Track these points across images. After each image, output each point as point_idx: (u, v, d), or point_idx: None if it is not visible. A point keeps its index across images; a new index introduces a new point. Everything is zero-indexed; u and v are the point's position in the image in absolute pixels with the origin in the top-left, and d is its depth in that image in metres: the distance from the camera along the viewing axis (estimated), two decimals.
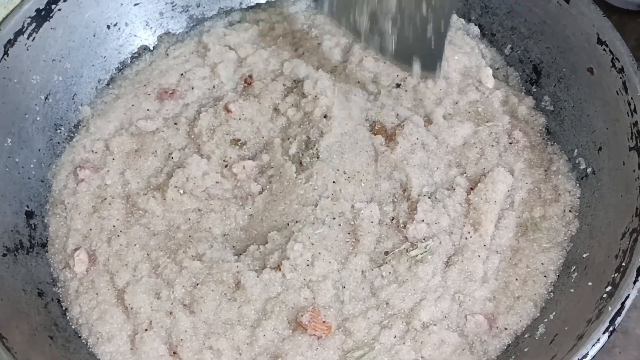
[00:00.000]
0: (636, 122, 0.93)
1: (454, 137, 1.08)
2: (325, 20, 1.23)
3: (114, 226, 1.04)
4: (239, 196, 1.06)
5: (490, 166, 1.05)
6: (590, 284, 0.89)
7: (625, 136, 0.94)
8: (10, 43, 1.04)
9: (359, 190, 1.03)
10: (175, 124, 1.13)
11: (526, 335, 0.92)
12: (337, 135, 1.06)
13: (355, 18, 1.04)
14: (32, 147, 1.07)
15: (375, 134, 1.08)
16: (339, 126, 1.06)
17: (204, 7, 1.26)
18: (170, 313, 0.95)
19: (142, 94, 1.17)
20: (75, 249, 1.02)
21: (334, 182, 1.02)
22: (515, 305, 0.95)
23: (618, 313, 0.81)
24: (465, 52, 1.14)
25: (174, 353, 0.93)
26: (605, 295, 0.84)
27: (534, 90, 1.12)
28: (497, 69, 1.16)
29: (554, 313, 0.91)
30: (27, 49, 1.06)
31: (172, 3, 1.23)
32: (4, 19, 1.04)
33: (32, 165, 1.06)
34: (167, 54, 1.21)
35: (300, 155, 1.06)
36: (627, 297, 0.81)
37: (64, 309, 0.99)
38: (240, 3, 1.27)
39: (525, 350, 0.90)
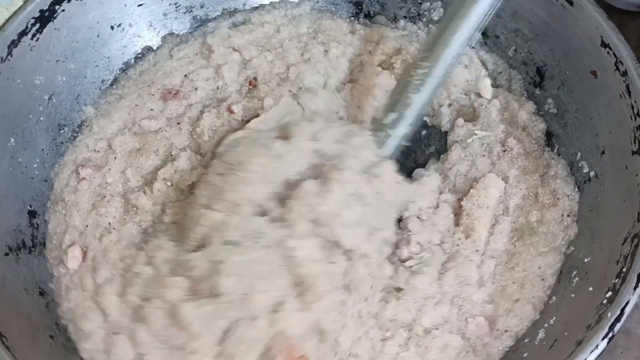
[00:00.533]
0: (639, 125, 0.92)
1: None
2: (331, 25, 1.23)
3: (109, 223, 1.04)
4: None
5: (480, 175, 1.04)
6: (591, 289, 0.88)
7: (629, 140, 0.93)
8: (14, 44, 1.04)
9: None
10: (178, 123, 1.13)
11: (526, 340, 0.91)
12: None
13: None
14: (36, 147, 1.08)
15: None
16: None
17: (208, 8, 1.26)
18: (133, 321, 0.92)
19: (146, 94, 1.17)
20: (70, 245, 1.03)
21: None
22: (514, 308, 0.95)
23: (618, 319, 0.80)
24: (464, 64, 1.13)
25: None
26: (605, 301, 0.83)
27: (537, 93, 1.11)
28: (500, 72, 1.15)
29: (554, 318, 0.91)
30: (31, 50, 1.07)
31: (175, 4, 1.23)
32: (7, 20, 1.04)
33: (35, 165, 1.07)
34: (171, 55, 1.22)
35: None
36: (627, 303, 0.81)
37: (56, 303, 0.99)
38: (244, 4, 1.27)
39: (525, 355, 0.89)
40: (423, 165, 1.10)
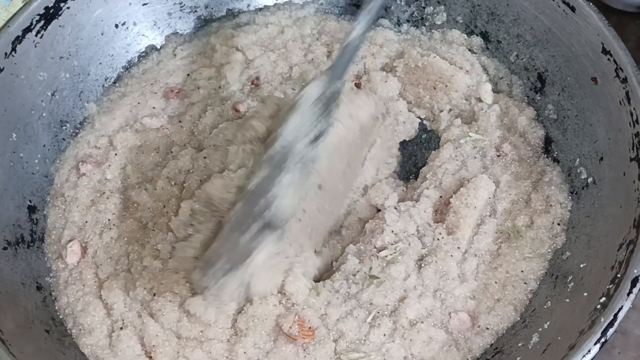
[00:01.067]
0: (638, 132, 0.92)
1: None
2: (335, 27, 1.24)
3: (109, 219, 1.05)
4: None
5: (471, 176, 1.04)
6: (585, 294, 0.88)
7: (627, 147, 0.93)
8: (18, 40, 1.05)
9: None
10: (180, 122, 1.14)
11: (520, 344, 0.91)
12: None
13: None
14: (37, 143, 1.08)
15: None
16: None
17: (212, 9, 1.26)
18: (140, 315, 0.95)
19: (149, 92, 1.18)
20: (69, 240, 1.03)
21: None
22: (495, 307, 0.95)
23: (610, 324, 0.80)
24: (465, 70, 1.14)
25: (150, 357, 0.93)
26: (599, 306, 0.83)
27: (538, 98, 1.11)
28: (501, 78, 1.15)
29: (548, 322, 0.91)
30: (35, 46, 1.08)
31: (180, 3, 1.24)
32: (12, 17, 1.05)
33: (36, 161, 1.08)
34: (175, 54, 1.22)
35: None
36: (620, 308, 0.80)
37: (53, 298, 0.99)
38: (248, 5, 1.28)
39: (518, 359, 0.89)
40: (422, 167, 1.10)
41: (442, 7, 1.21)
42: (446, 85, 1.12)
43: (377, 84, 1.14)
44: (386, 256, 0.98)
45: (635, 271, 0.83)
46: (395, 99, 1.15)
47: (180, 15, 1.25)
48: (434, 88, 1.14)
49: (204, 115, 1.13)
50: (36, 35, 1.07)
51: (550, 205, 1.02)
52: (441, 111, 1.14)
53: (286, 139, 0.90)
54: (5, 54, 1.03)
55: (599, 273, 0.89)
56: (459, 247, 0.98)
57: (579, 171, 1.02)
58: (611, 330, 0.80)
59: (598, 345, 0.79)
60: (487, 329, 0.94)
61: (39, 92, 1.09)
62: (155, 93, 1.17)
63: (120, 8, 1.18)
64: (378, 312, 0.94)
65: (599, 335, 0.79)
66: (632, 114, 0.93)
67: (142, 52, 1.22)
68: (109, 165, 1.09)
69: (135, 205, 1.06)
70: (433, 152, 1.11)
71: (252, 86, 1.17)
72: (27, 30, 1.06)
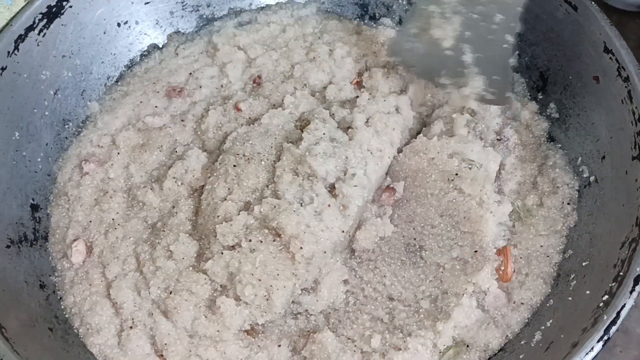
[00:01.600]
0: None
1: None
2: (337, 26, 1.24)
3: (113, 219, 1.05)
4: None
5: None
6: (588, 292, 0.89)
7: (629, 145, 0.94)
8: (21, 38, 1.05)
9: None
10: (182, 120, 1.14)
11: (522, 342, 0.92)
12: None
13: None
14: (40, 142, 1.09)
15: None
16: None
17: (214, 7, 1.27)
18: (151, 314, 0.95)
19: (151, 91, 1.18)
20: (74, 240, 1.03)
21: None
22: (525, 281, 0.98)
23: (613, 322, 0.80)
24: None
25: (160, 356, 0.93)
26: (601, 304, 0.83)
27: (540, 97, 1.11)
28: None
29: (551, 320, 0.91)
30: (38, 45, 1.08)
31: (182, 2, 1.24)
32: (13, 17, 1.05)
33: (39, 159, 1.08)
34: (177, 53, 1.23)
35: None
36: (623, 306, 0.81)
37: (59, 297, 1.00)
38: (250, 4, 1.28)
39: (521, 357, 0.90)
40: None
41: None
42: None
43: (378, 81, 1.14)
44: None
45: (637, 269, 0.83)
46: (398, 93, 1.14)
47: (183, 14, 1.25)
48: (436, 86, 1.13)
49: (207, 114, 1.13)
50: (39, 34, 1.08)
51: (557, 187, 1.03)
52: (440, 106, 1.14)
53: None
54: (8, 52, 1.04)
55: (601, 271, 0.89)
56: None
57: (581, 170, 1.02)
58: (614, 328, 0.80)
59: (601, 343, 0.80)
60: (522, 303, 0.96)
61: (41, 90, 1.09)
62: (158, 92, 1.17)
63: (123, 7, 1.18)
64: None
65: (601, 333, 0.80)
66: (634, 113, 0.93)
67: (144, 51, 1.23)
68: (112, 164, 1.10)
69: (141, 204, 1.06)
70: (424, 127, 1.12)
71: (254, 85, 1.17)
72: (30, 29, 1.07)
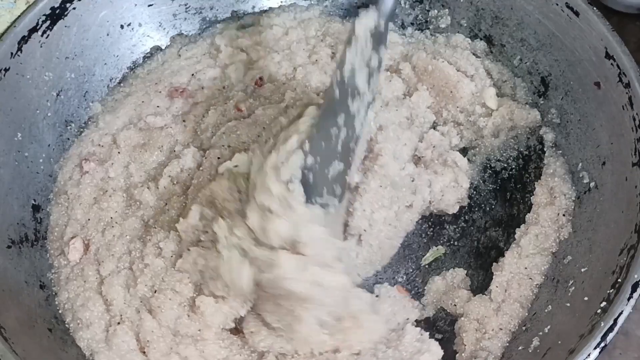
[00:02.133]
0: None
1: None
2: (340, 29, 1.24)
3: (111, 217, 1.05)
4: None
5: None
6: (586, 298, 0.88)
7: (629, 152, 0.93)
8: (24, 40, 1.06)
9: None
10: (184, 121, 1.14)
11: (520, 348, 0.92)
12: None
13: None
14: (42, 142, 1.09)
15: None
16: None
17: (217, 10, 1.27)
18: (138, 311, 0.96)
19: (153, 92, 1.18)
20: (72, 238, 1.04)
21: None
22: (502, 307, 0.97)
23: (610, 329, 0.80)
24: (470, 75, 1.14)
25: (143, 352, 0.93)
26: (599, 311, 0.83)
27: (541, 102, 1.11)
28: (505, 81, 1.15)
29: (549, 326, 0.91)
30: (41, 46, 1.08)
31: (185, 5, 1.24)
32: (16, 19, 1.06)
33: (40, 160, 1.08)
34: (179, 55, 1.23)
35: None
36: (621, 313, 0.81)
37: (54, 293, 1.00)
38: (253, 7, 1.28)
39: None
40: None
41: (447, 10, 1.21)
42: (451, 92, 1.12)
43: (381, 84, 1.14)
44: None
45: (635, 276, 0.83)
46: (401, 98, 1.14)
47: (186, 17, 1.25)
48: (439, 93, 1.14)
49: (207, 114, 1.14)
50: (42, 36, 1.08)
51: (555, 197, 1.03)
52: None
53: (346, 72, 0.90)
54: (11, 53, 1.04)
55: (599, 277, 0.89)
56: None
57: (581, 175, 1.02)
58: (611, 335, 0.80)
59: (598, 350, 0.80)
60: (501, 329, 0.95)
61: (44, 92, 1.10)
62: (160, 92, 1.18)
63: (126, 9, 1.18)
64: None
65: (598, 339, 0.80)
66: (634, 119, 0.93)
67: (147, 53, 1.23)
68: (112, 164, 1.10)
69: (138, 203, 1.06)
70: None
71: (256, 87, 1.18)
72: (33, 30, 1.07)
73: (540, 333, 0.91)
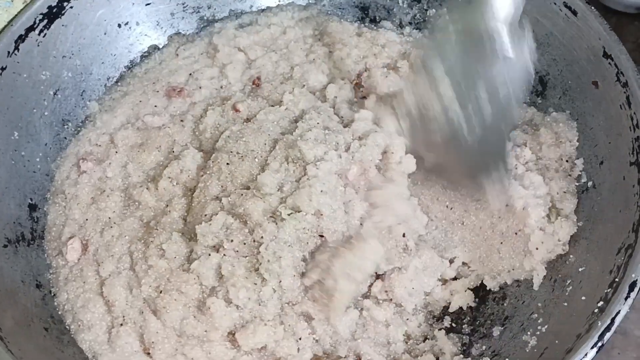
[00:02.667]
0: (638, 137, 0.92)
1: None
2: (337, 28, 1.24)
3: (109, 217, 1.05)
4: None
5: None
6: (583, 298, 0.88)
7: (627, 151, 0.93)
8: (21, 38, 1.06)
9: None
10: (182, 120, 1.14)
11: (517, 347, 0.92)
12: None
13: None
14: (39, 141, 1.09)
15: None
16: None
17: (215, 9, 1.27)
18: (142, 312, 0.95)
19: (151, 91, 1.18)
20: (70, 238, 1.03)
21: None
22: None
23: (608, 329, 0.80)
24: None
25: (148, 353, 0.93)
26: (596, 310, 0.83)
27: (540, 102, 1.11)
28: None
29: (546, 326, 0.91)
30: (38, 45, 1.08)
31: (183, 4, 1.24)
32: (13, 18, 1.05)
33: (37, 159, 1.08)
34: (177, 54, 1.23)
35: None
36: (618, 313, 0.81)
37: (52, 294, 1.00)
38: (251, 6, 1.28)
39: None
40: None
41: (445, 9, 1.20)
42: None
43: (377, 80, 1.14)
44: None
45: (633, 275, 0.83)
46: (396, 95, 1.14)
47: (183, 16, 1.25)
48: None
49: (205, 115, 1.13)
50: (39, 35, 1.08)
51: (560, 142, 1.05)
52: None
53: None
54: (8, 52, 1.04)
55: (597, 277, 0.89)
56: None
57: (579, 175, 1.02)
58: (608, 335, 0.80)
59: (595, 350, 0.79)
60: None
61: (41, 90, 1.09)
62: (158, 92, 1.17)
63: (123, 8, 1.18)
64: None
65: (596, 339, 0.80)
66: (632, 118, 0.93)
67: (144, 52, 1.23)
68: (110, 163, 1.09)
69: (137, 204, 1.06)
70: None
71: (254, 86, 1.17)
72: (30, 29, 1.07)
73: (538, 332, 0.91)
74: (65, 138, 1.13)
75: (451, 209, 1.04)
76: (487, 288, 1.02)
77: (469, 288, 1.03)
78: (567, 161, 1.03)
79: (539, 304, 0.95)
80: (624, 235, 0.88)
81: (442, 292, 1.01)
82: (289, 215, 0.94)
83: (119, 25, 1.19)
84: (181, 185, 1.06)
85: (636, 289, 0.82)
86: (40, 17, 1.08)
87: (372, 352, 0.93)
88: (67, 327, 0.97)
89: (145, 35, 1.22)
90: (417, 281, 0.98)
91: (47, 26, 1.09)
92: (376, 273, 0.98)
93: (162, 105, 1.16)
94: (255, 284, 0.92)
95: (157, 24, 1.23)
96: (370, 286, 0.99)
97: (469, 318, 1.00)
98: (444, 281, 1.03)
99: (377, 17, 1.26)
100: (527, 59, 0.91)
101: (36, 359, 0.88)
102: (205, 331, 0.93)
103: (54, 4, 1.09)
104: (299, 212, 0.95)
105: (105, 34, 1.17)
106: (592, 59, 1.01)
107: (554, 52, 1.08)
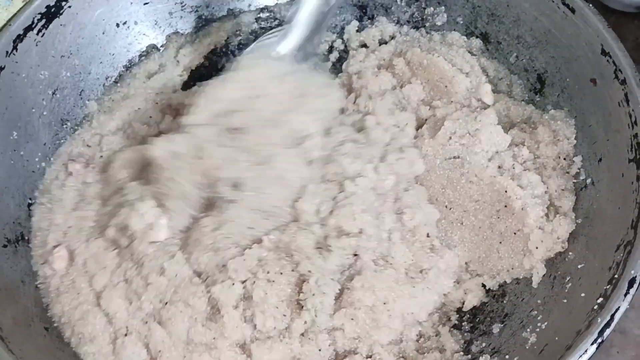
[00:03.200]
0: (636, 134, 0.92)
1: None
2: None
3: (90, 227, 1.02)
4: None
5: None
6: (583, 294, 0.88)
7: (625, 148, 0.93)
8: (20, 38, 1.06)
9: None
10: None
11: (517, 345, 0.92)
12: None
13: None
14: (38, 141, 1.09)
15: None
16: None
17: (213, 8, 1.26)
18: (146, 322, 0.93)
19: (151, 101, 1.17)
20: (56, 245, 1.00)
21: None
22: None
23: (607, 325, 0.80)
24: (465, 72, 1.13)
25: None
26: (596, 307, 0.83)
27: (538, 99, 1.11)
28: (501, 79, 1.15)
29: (545, 323, 0.91)
30: (36, 45, 1.08)
31: (181, 3, 1.24)
32: (12, 17, 1.05)
33: (36, 159, 1.08)
34: (178, 61, 1.23)
35: None
36: (617, 309, 0.81)
37: (45, 305, 0.98)
38: (249, 5, 1.28)
39: (516, 359, 0.90)
40: None
41: (443, 7, 1.21)
42: (446, 86, 1.12)
43: (367, 80, 1.14)
44: None
45: (632, 272, 0.83)
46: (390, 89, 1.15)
47: (182, 15, 1.25)
48: (434, 87, 1.14)
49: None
50: (37, 34, 1.08)
51: (558, 140, 1.05)
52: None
53: None
54: (7, 52, 1.04)
55: (596, 274, 0.89)
56: None
57: (577, 172, 1.02)
58: (608, 331, 0.80)
59: (595, 346, 0.80)
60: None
61: (40, 90, 1.09)
62: (157, 103, 1.16)
63: (122, 7, 1.18)
64: None
65: (595, 335, 0.80)
66: (630, 116, 0.93)
67: (143, 51, 1.23)
68: (93, 168, 1.07)
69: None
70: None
71: None
72: (29, 28, 1.07)
73: (537, 329, 0.91)
74: (63, 138, 1.13)
75: (450, 209, 1.04)
76: (487, 287, 1.02)
77: (482, 285, 1.02)
78: (564, 159, 1.03)
79: (539, 301, 0.95)
80: (623, 232, 0.88)
81: (456, 292, 1.01)
82: (334, 244, 0.94)
83: (117, 25, 1.18)
84: None
85: (635, 286, 0.82)
86: (39, 16, 1.08)
87: (383, 351, 0.93)
88: (66, 340, 0.95)
89: (144, 34, 1.22)
90: (439, 284, 0.98)
91: (46, 26, 1.09)
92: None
93: (156, 119, 1.15)
94: (285, 315, 0.91)
95: (156, 23, 1.23)
96: None
97: (468, 315, 1.00)
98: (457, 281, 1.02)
99: (375, 15, 1.26)
100: None
101: (36, 359, 0.88)
102: (214, 338, 0.91)
103: (52, 3, 1.09)
104: (342, 235, 0.95)
105: (103, 33, 1.17)
106: (590, 56, 1.01)
107: (552, 50, 1.08)
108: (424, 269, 0.98)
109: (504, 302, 1.00)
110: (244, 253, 0.94)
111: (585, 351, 0.79)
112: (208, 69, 1.25)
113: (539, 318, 0.93)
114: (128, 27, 1.20)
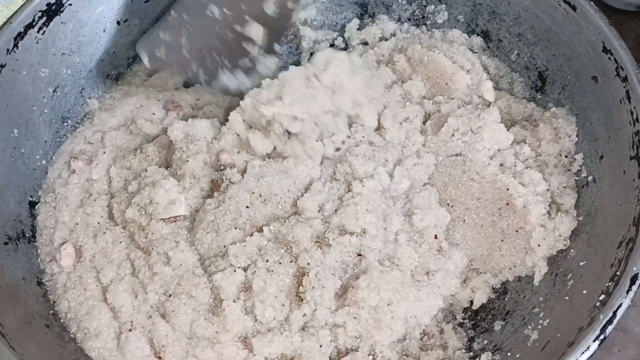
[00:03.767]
0: (638, 131, 0.92)
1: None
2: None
3: (98, 223, 1.03)
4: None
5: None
6: (585, 292, 0.88)
7: (627, 145, 0.94)
8: (20, 36, 1.05)
9: None
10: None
11: (519, 341, 0.92)
12: None
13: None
14: (39, 139, 1.09)
15: None
16: None
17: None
18: (150, 317, 0.94)
19: (153, 98, 1.16)
20: (62, 243, 1.01)
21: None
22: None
23: (609, 322, 0.80)
24: (466, 69, 1.13)
25: (159, 357, 0.92)
26: (598, 304, 0.84)
27: (539, 97, 1.11)
28: (502, 76, 1.15)
29: (548, 320, 0.91)
30: (37, 42, 1.08)
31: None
32: (12, 15, 1.05)
33: (37, 157, 1.08)
34: None
35: None
36: (620, 306, 0.81)
37: (51, 302, 0.98)
38: None
39: (518, 356, 0.90)
40: None
41: (444, 5, 1.21)
42: (446, 83, 1.12)
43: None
44: None
45: (634, 269, 0.83)
46: (389, 85, 1.15)
47: None
48: (434, 84, 1.14)
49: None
50: (38, 32, 1.07)
51: (559, 137, 1.05)
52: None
53: None
54: (7, 50, 1.04)
55: (598, 271, 0.89)
56: None
57: (579, 169, 1.02)
58: (610, 328, 0.80)
59: (597, 343, 0.80)
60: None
61: (40, 88, 1.09)
62: (159, 100, 1.16)
63: (123, 5, 1.17)
64: None
65: (597, 332, 0.80)
66: (632, 113, 0.93)
67: None
68: (97, 164, 1.08)
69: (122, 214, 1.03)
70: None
71: None
72: (29, 26, 1.06)
73: (539, 326, 0.91)
74: (64, 135, 1.12)
75: (452, 207, 1.04)
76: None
77: (487, 282, 1.02)
78: (566, 156, 1.03)
79: (540, 298, 0.95)
80: (625, 229, 0.88)
81: (463, 291, 1.01)
82: (334, 240, 0.95)
83: (118, 23, 1.18)
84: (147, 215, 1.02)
85: (637, 282, 0.83)
86: (39, 14, 1.07)
87: (385, 349, 0.93)
88: (72, 335, 0.95)
89: (144, 32, 1.22)
90: (445, 287, 0.98)
91: (46, 23, 1.08)
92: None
93: (159, 116, 1.14)
94: (284, 305, 0.92)
95: (156, 21, 1.23)
96: None
97: (470, 313, 1.01)
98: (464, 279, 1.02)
99: (376, 13, 1.26)
100: None
101: (38, 356, 0.88)
102: (216, 332, 0.92)
103: (52, 1, 1.08)
104: (345, 233, 0.95)
105: (104, 31, 1.17)
106: (592, 53, 1.01)
107: (553, 48, 1.08)
108: (431, 270, 0.98)
109: (506, 299, 1.00)
110: (245, 240, 0.96)
111: (588, 348, 0.80)
112: None
113: (540, 315, 0.93)
114: (129, 25, 1.19)
